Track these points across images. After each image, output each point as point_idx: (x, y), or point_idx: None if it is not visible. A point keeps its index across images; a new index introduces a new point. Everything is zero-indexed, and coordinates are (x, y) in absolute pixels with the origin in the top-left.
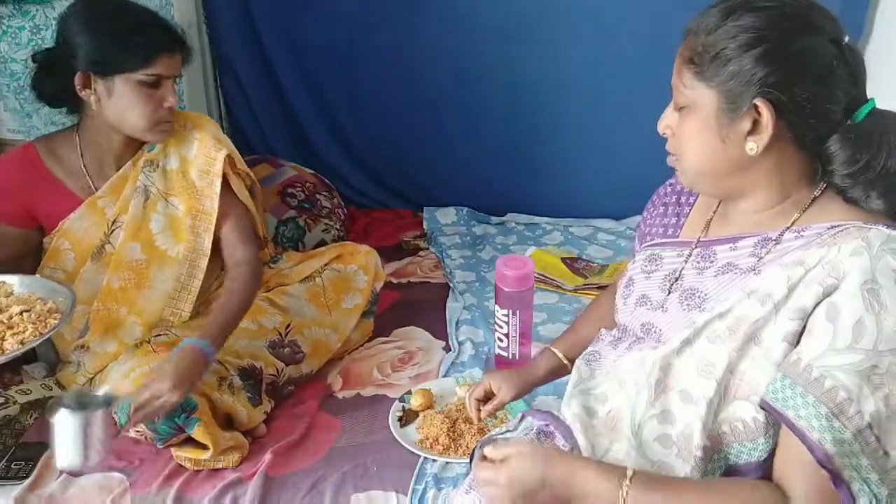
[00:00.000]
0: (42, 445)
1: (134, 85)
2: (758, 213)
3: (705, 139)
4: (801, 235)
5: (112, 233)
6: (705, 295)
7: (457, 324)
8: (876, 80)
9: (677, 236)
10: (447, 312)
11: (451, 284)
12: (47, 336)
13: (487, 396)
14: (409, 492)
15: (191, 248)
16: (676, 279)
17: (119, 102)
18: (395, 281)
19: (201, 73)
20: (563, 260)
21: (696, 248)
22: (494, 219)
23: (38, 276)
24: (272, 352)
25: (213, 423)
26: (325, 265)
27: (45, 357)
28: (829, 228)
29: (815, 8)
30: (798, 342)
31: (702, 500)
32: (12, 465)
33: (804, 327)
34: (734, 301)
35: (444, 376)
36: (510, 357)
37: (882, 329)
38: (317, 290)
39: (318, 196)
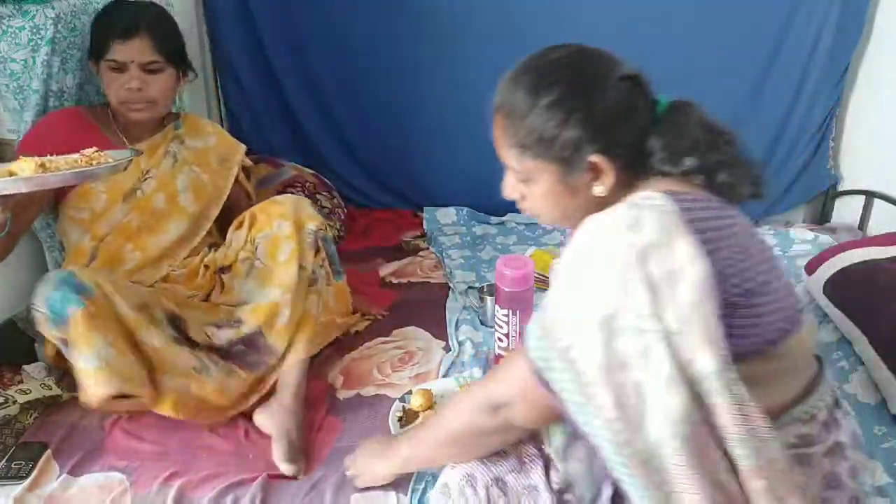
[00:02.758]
0: (42, 445)
1: (106, 68)
2: None
3: (556, 199)
4: None
5: (144, 181)
6: None
7: (457, 324)
8: (876, 79)
9: None
10: (447, 312)
11: (451, 284)
12: (129, 159)
13: None
14: (409, 492)
15: (201, 211)
16: None
17: (103, 82)
18: (395, 281)
19: (201, 73)
20: None
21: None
22: (494, 219)
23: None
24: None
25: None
26: (254, 242)
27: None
28: None
29: (594, 57)
30: None
31: (440, 412)
32: (12, 465)
33: None
34: None
35: (444, 376)
36: None
37: None
38: (255, 272)
39: (318, 196)
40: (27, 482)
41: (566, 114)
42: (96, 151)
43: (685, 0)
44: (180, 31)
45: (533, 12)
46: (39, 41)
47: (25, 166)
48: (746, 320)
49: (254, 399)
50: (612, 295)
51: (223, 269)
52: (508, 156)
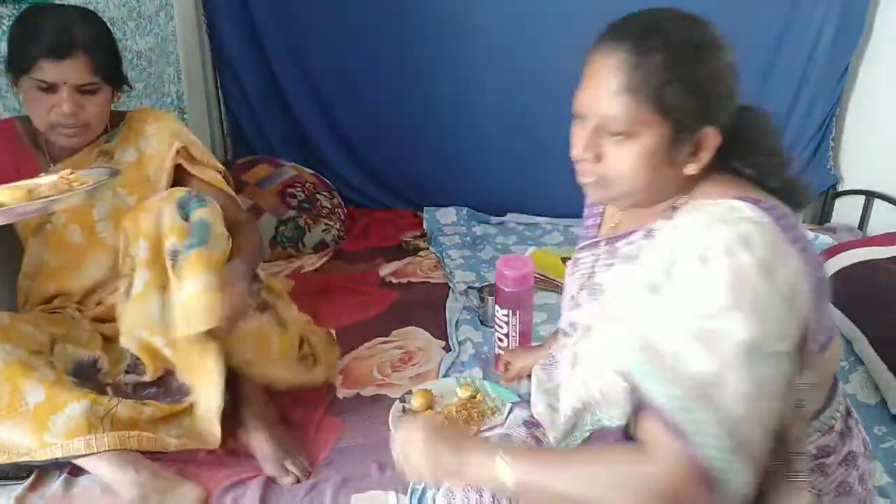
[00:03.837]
0: None
1: (31, 87)
2: (653, 212)
3: (649, 165)
4: (675, 223)
5: (53, 213)
6: (604, 287)
7: (457, 324)
8: (876, 79)
9: (596, 237)
10: (447, 312)
11: (450, 284)
12: (105, 181)
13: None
14: (409, 492)
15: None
16: (590, 277)
17: (25, 101)
18: (395, 281)
19: (201, 72)
20: (563, 260)
21: (604, 245)
22: (494, 219)
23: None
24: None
25: None
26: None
27: None
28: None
29: (712, 27)
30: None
31: (573, 461)
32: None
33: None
34: (618, 289)
35: (444, 376)
36: None
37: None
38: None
39: (318, 196)
40: (28, 482)
41: (703, 79)
42: (71, 173)
43: (685, 1)
44: (116, 43)
45: (533, 13)
46: None
47: (9, 194)
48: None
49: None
50: (749, 319)
51: None
52: (617, 102)
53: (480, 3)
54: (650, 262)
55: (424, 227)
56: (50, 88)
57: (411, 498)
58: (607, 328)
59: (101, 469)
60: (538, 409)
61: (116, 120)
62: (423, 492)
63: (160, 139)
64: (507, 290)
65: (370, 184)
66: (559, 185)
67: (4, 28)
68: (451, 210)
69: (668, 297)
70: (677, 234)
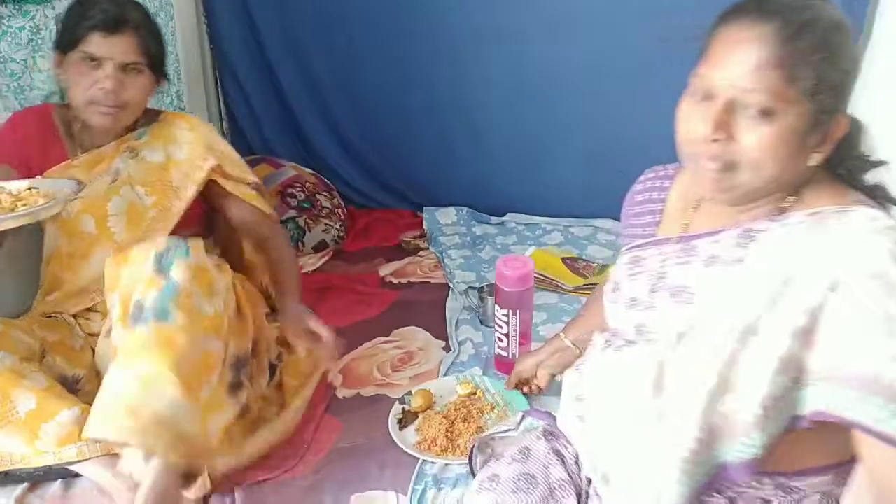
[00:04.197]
0: None
1: (77, 61)
2: (748, 210)
3: (787, 149)
4: (785, 224)
5: (72, 200)
6: (694, 289)
7: (457, 324)
8: (876, 79)
9: (654, 234)
10: (447, 312)
11: (450, 284)
12: (60, 203)
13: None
14: (409, 492)
15: (133, 241)
16: (661, 277)
17: (69, 77)
18: (395, 281)
19: (201, 73)
20: (563, 260)
21: (677, 243)
22: (494, 219)
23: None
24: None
25: None
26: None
27: None
28: (809, 215)
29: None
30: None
31: None
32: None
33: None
34: (725, 294)
35: (444, 376)
36: (510, 357)
37: None
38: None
39: (318, 196)
40: (28, 482)
41: (848, 63)
42: (28, 189)
43: (681, 3)
44: (162, 34)
45: (533, 12)
46: (39, 41)
47: None
48: None
49: None
50: None
51: None
52: (764, 76)
53: (481, 4)
54: (797, 280)
55: (424, 227)
56: (96, 63)
57: (411, 498)
58: (726, 341)
59: (97, 474)
60: (566, 421)
61: (150, 118)
62: (424, 491)
63: (193, 149)
64: (507, 290)
65: (370, 184)
66: (559, 185)
67: (4, 28)
68: (451, 210)
69: (846, 322)
70: (822, 250)
